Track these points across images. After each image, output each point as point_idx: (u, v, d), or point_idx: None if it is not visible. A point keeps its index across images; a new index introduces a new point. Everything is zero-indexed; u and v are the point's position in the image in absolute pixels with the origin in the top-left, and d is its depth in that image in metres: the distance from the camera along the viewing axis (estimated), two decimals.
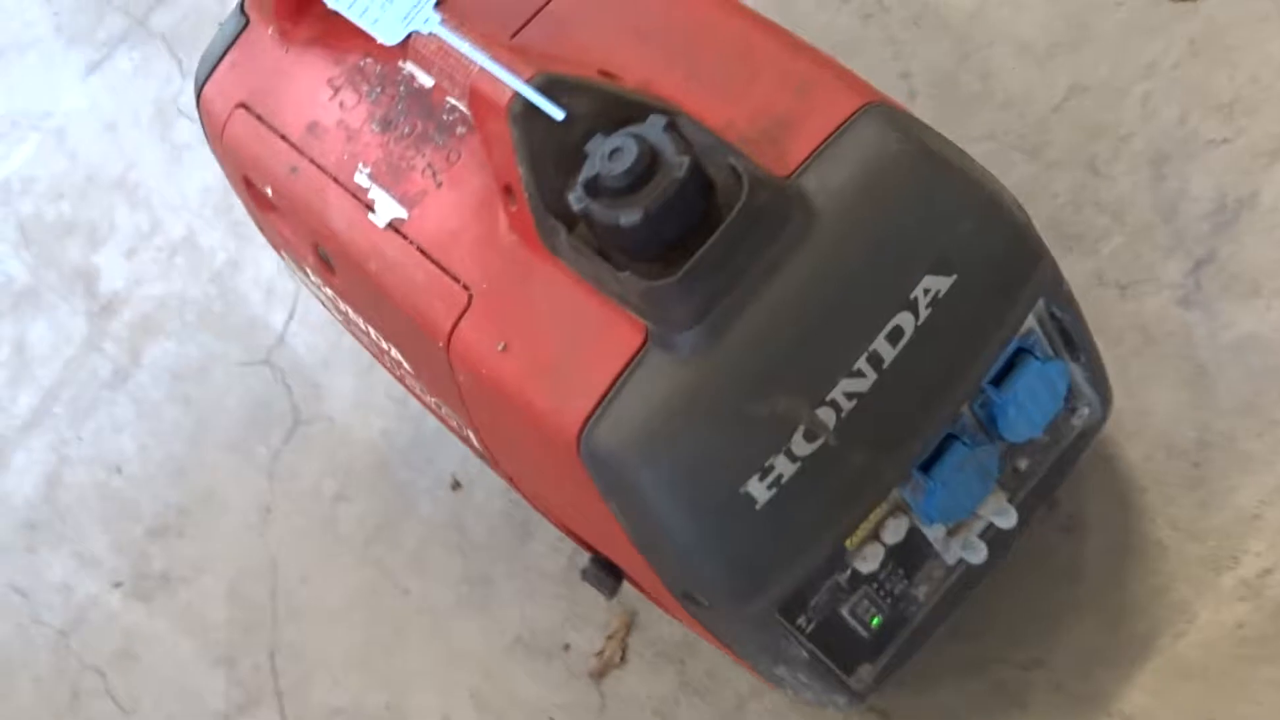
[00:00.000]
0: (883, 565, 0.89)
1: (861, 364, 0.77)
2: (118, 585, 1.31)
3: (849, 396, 0.78)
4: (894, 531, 0.88)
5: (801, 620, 0.87)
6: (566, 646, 1.14)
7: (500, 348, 0.80)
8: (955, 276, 0.79)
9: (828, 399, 0.77)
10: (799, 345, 0.77)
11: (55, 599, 1.32)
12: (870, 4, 1.27)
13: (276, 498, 1.30)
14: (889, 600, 0.92)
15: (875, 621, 0.93)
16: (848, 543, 0.86)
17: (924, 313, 0.78)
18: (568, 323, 0.79)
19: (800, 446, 0.77)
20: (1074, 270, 1.07)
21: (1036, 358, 0.86)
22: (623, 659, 1.12)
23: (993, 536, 0.96)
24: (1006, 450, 0.92)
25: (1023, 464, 0.95)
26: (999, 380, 0.86)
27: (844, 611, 0.90)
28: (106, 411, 1.39)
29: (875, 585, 0.91)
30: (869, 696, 0.96)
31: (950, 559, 0.94)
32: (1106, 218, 1.12)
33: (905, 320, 0.78)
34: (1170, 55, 1.15)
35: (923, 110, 1.19)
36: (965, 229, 0.79)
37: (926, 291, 0.78)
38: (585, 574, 0.88)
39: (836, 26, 1.28)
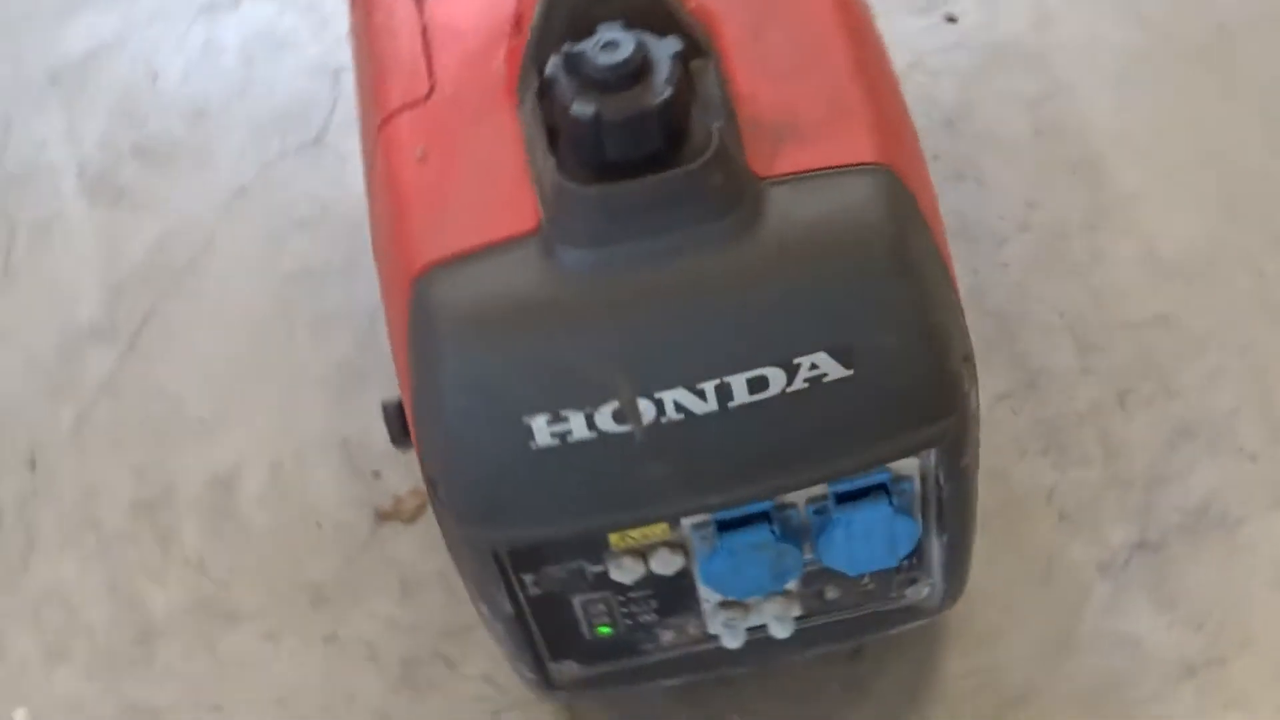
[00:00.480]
0: (638, 586, 0.85)
1: (708, 388, 0.72)
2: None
3: (679, 409, 0.72)
4: (664, 563, 0.82)
5: (529, 578, 0.83)
6: (377, 474, 1.11)
7: (419, 153, 0.76)
8: (852, 373, 0.73)
9: (656, 397, 0.72)
10: (661, 330, 0.72)
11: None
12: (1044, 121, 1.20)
13: None
14: (629, 622, 0.88)
15: (603, 630, 0.88)
16: (612, 539, 0.81)
17: (798, 383, 0.72)
18: (488, 171, 0.74)
19: (604, 420, 0.72)
20: (1033, 477, 1.00)
21: (891, 505, 0.80)
22: (412, 519, 1.08)
23: (764, 640, 0.90)
24: (819, 570, 0.86)
25: (831, 594, 0.89)
26: (848, 498, 0.80)
27: (576, 601, 0.85)
28: None
29: (622, 599, 0.86)
30: (560, 695, 0.92)
31: (710, 627, 0.89)
32: (1098, 449, 1.04)
33: (775, 377, 0.72)
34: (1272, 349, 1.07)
35: (1019, 245, 1.13)
36: (889, 339, 0.73)
37: (814, 367, 0.72)
38: (385, 410, 0.84)
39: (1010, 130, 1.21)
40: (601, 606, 0.86)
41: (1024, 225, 1.16)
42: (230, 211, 1.26)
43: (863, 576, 0.88)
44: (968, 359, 0.77)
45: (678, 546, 0.82)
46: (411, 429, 0.78)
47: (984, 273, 1.13)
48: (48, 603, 1.08)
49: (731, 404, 0.73)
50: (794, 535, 0.82)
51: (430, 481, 0.78)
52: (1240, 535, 0.99)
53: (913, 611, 0.91)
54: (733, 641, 0.88)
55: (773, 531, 0.80)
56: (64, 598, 1.09)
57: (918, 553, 0.87)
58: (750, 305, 0.72)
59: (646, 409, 0.72)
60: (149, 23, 1.38)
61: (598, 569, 0.83)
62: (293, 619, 1.05)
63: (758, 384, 0.72)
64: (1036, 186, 1.17)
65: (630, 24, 0.71)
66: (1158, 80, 1.22)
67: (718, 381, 0.72)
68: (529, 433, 0.73)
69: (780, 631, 0.88)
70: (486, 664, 1.02)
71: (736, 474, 0.76)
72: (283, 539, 1.09)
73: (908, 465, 0.80)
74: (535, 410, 0.72)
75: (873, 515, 0.80)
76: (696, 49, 0.74)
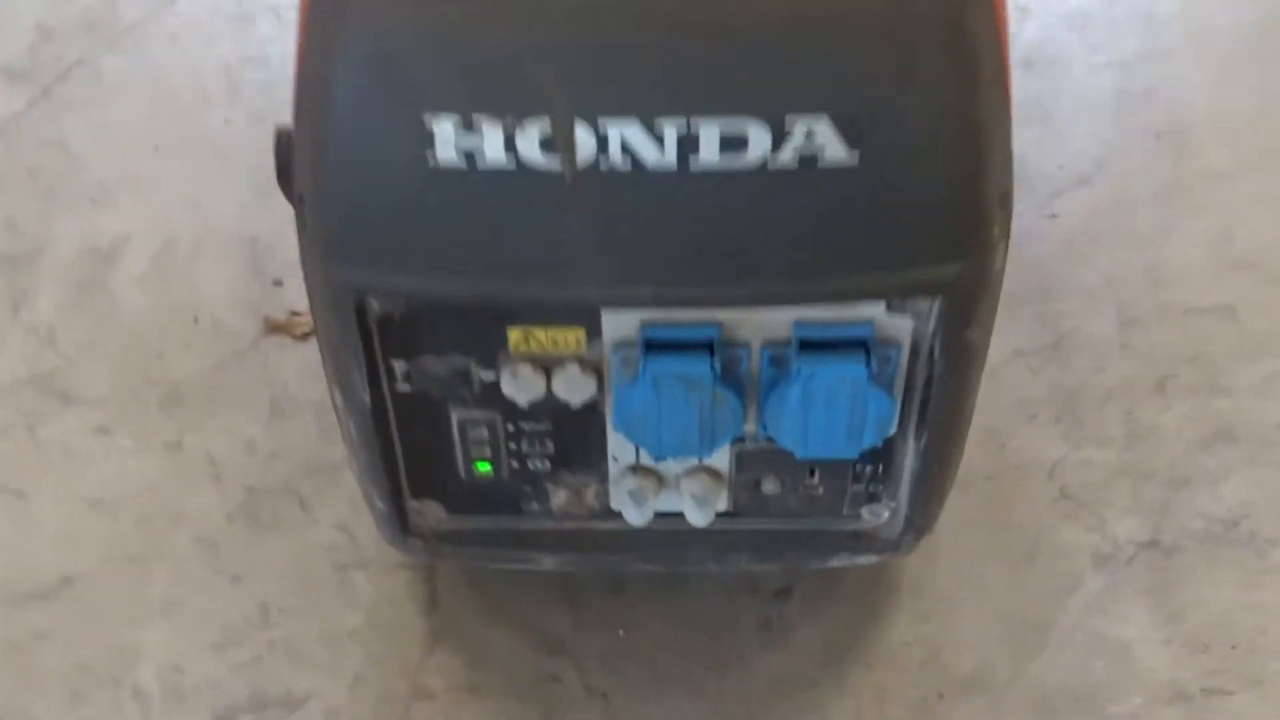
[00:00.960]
0: (535, 414, 0.67)
1: (670, 132, 0.55)
2: None
3: (627, 154, 0.55)
4: (571, 386, 0.65)
5: (399, 366, 0.66)
6: (279, 282, 0.94)
7: None
8: (857, 160, 0.56)
9: (601, 127, 0.55)
10: (623, 34, 0.55)
11: None
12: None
13: None
14: (515, 464, 0.70)
15: (482, 467, 0.71)
16: (512, 336, 0.64)
17: (786, 157, 0.55)
18: None
19: (528, 145, 0.55)
20: (1038, 446, 0.84)
21: (867, 368, 0.63)
22: (303, 338, 0.91)
23: (675, 533, 0.73)
24: (759, 450, 0.69)
25: (769, 488, 0.72)
26: (815, 349, 0.63)
27: (455, 417, 0.68)
28: None
29: (512, 428, 0.69)
30: (415, 548, 0.74)
31: (613, 498, 0.72)
32: (1120, 431, 0.87)
33: (758, 140, 0.55)
34: None
35: (1074, 199, 0.97)
36: (916, 123, 0.56)
37: (810, 138, 0.55)
38: (278, 137, 0.67)
39: None
40: (485, 433, 0.69)
41: (1084, 180, 0.99)
42: None
43: (812, 472, 0.71)
44: (1004, 200, 0.60)
45: (591, 369, 0.65)
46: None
47: (1028, 219, 0.96)
48: None
49: (695, 163, 0.56)
50: (738, 383, 0.65)
51: (299, 200, 0.61)
52: (1271, 558, 0.81)
53: (864, 541, 0.73)
54: (637, 517, 0.71)
55: (713, 368, 0.63)
56: None
57: (885, 458, 0.70)
58: (748, 29, 0.55)
59: (585, 142, 0.56)
60: None
61: (488, 376, 0.66)
62: (135, 416, 0.88)
63: (734, 143, 0.55)
64: (1109, 146, 1.01)
65: None
66: (1267, 61, 1.05)
67: (683, 125, 0.55)
68: (429, 140, 0.56)
69: (698, 517, 0.71)
70: (345, 510, 0.84)
71: (685, 263, 0.59)
72: (150, 327, 0.92)
73: (897, 325, 0.63)
74: (442, 108, 0.55)
75: (841, 376, 0.63)
76: None
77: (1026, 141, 1.01)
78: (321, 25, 0.57)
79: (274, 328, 0.92)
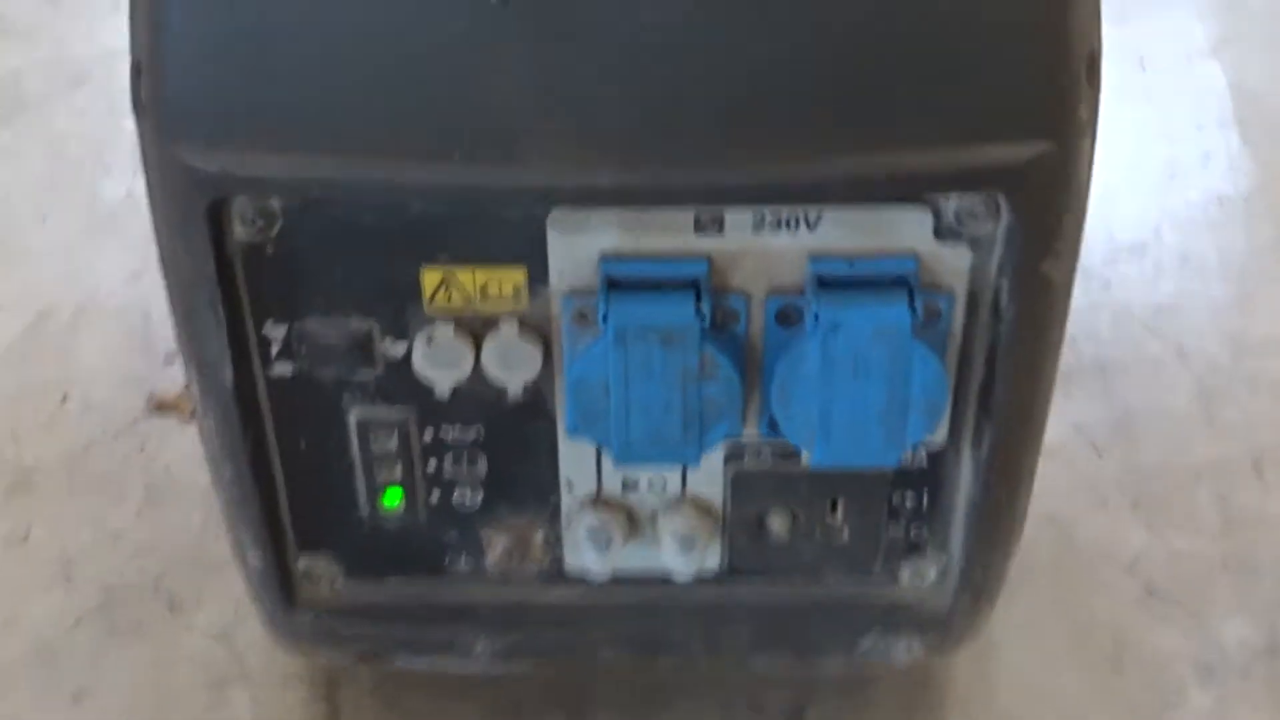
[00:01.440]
0: (458, 410, 0.50)
1: None
2: None
3: None
4: (506, 358, 0.48)
5: (277, 333, 0.48)
6: (171, 358, 0.77)
7: None
8: None
9: None
10: None
11: None
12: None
13: None
14: (436, 492, 0.52)
15: (390, 499, 0.53)
16: (425, 286, 0.47)
17: None
18: None
19: None
20: (1114, 535, 0.67)
21: (912, 314, 0.46)
22: (194, 418, 0.73)
23: (647, 601, 0.55)
24: (759, 465, 0.51)
25: (778, 527, 0.53)
26: (838, 288, 0.46)
27: (352, 417, 0.50)
28: None
29: (429, 434, 0.51)
30: (307, 632, 0.55)
31: (568, 541, 0.53)
32: (1216, 518, 0.69)
33: None
34: None
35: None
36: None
37: None
38: (134, 66, 0.52)
39: None
40: (394, 442, 0.51)
41: (1138, 248, 0.83)
42: (109, 58, 0.97)
43: (834, 504, 0.52)
44: (1092, 68, 0.44)
45: (535, 333, 0.48)
46: None
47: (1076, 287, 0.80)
48: None
49: None
50: (735, 350, 0.48)
51: (134, 75, 0.45)
52: None
53: (904, 616, 0.54)
54: (599, 566, 0.52)
55: (700, 315, 0.46)
56: None
57: (932, 481, 0.52)
58: None
59: None
60: None
61: (395, 348, 0.48)
62: None
63: None
64: (1164, 211, 0.86)
65: None
66: None
67: None
68: None
69: (682, 565, 0.52)
70: (226, 614, 0.65)
71: (657, 121, 0.42)
72: (10, 402, 0.74)
73: (950, 260, 0.46)
74: None
75: (876, 326, 0.46)
76: None
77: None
78: None
79: (159, 405, 0.74)
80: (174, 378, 0.76)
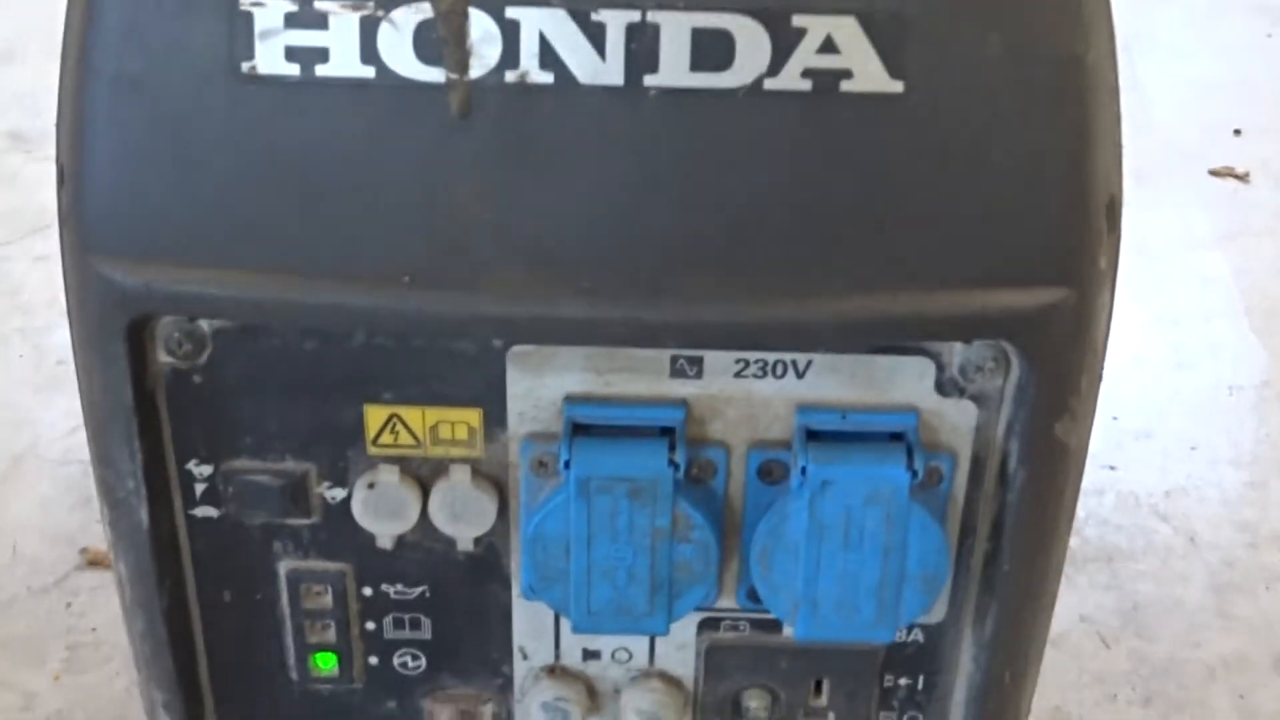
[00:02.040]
0: (401, 566, 0.45)
1: (611, 28, 0.36)
2: None
3: (549, 61, 0.36)
4: (456, 508, 0.43)
5: (202, 472, 0.43)
6: None
7: None
8: (901, 89, 0.37)
9: (508, 17, 0.36)
10: None
11: None
12: None
13: None
14: (374, 658, 0.47)
15: (322, 662, 0.47)
16: (369, 425, 0.42)
17: (792, 74, 0.36)
18: None
19: (392, 44, 0.36)
20: None
21: (911, 474, 0.41)
22: None
23: None
24: (741, 638, 0.46)
25: (755, 710, 0.48)
26: (827, 442, 0.42)
27: (284, 570, 0.45)
28: None
29: (368, 592, 0.45)
30: None
31: (528, 714, 0.48)
32: (1235, 717, 0.64)
33: (750, 43, 0.36)
34: None
35: None
36: (994, 38, 0.37)
37: (829, 50, 0.36)
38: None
39: None
40: (329, 599, 0.46)
41: (1145, 434, 0.79)
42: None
43: (819, 684, 0.47)
44: (1113, 214, 0.40)
45: (489, 482, 0.43)
46: None
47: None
48: None
49: (652, 81, 0.36)
50: (711, 506, 0.43)
51: (60, 182, 0.41)
52: None
53: None
54: None
55: (674, 467, 0.41)
56: None
57: (929, 661, 0.47)
58: None
59: (486, 39, 0.36)
60: None
61: (333, 493, 0.44)
62: None
63: (713, 49, 0.36)
64: (1170, 399, 0.82)
65: None
66: None
67: (635, 17, 0.36)
68: (247, 31, 0.37)
69: None
70: None
71: (630, 255, 0.38)
72: None
73: (953, 417, 0.42)
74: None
75: (872, 483, 0.41)
76: None
77: None
78: None
79: (93, 560, 0.69)
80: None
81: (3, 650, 0.65)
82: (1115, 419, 0.80)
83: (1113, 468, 0.77)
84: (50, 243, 0.93)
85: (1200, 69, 1.15)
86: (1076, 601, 0.69)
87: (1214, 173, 1.02)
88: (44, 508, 0.73)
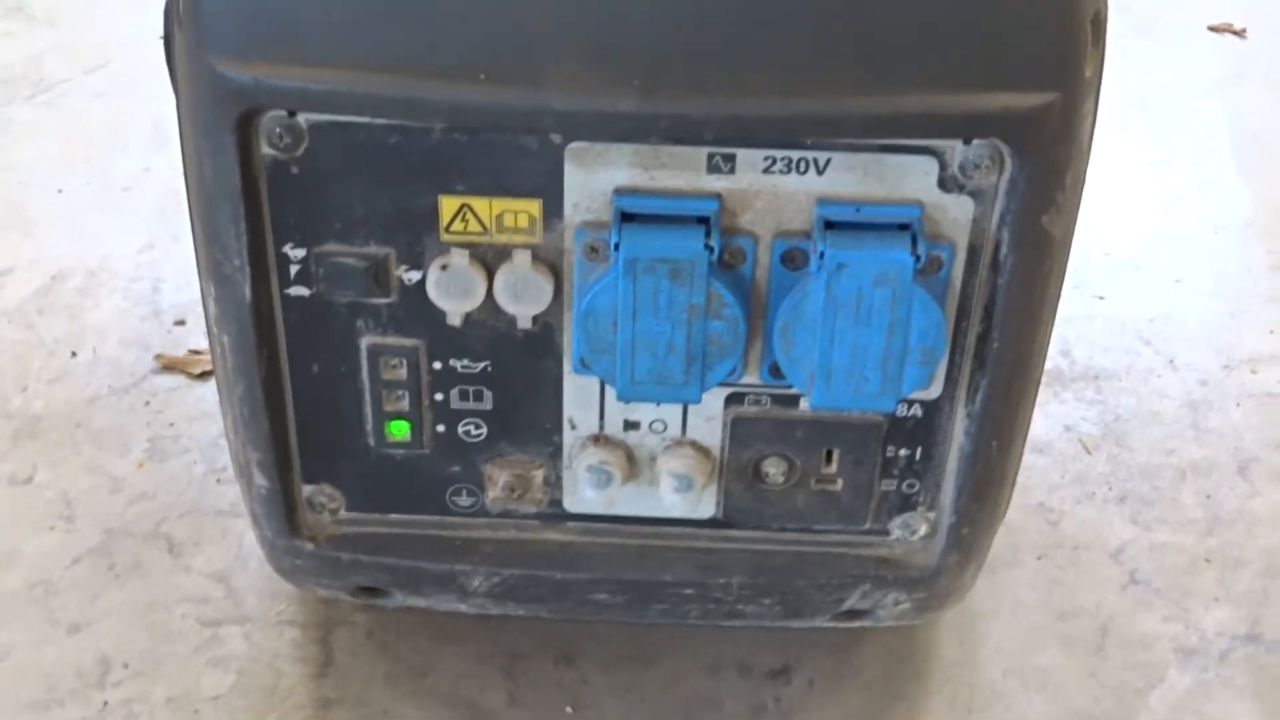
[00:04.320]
0: (467, 341, 0.51)
1: None
2: None
3: None
4: (519, 288, 0.49)
5: (296, 255, 0.49)
6: (181, 322, 0.78)
7: None
8: None
9: None
10: None
11: None
12: None
13: None
14: (441, 425, 0.53)
15: (396, 429, 0.54)
16: (443, 214, 0.48)
17: None
18: None
19: None
20: (1100, 527, 0.68)
21: (914, 259, 0.47)
22: (199, 377, 0.75)
23: (648, 547, 0.56)
24: (763, 412, 0.52)
25: (773, 474, 0.54)
26: (842, 231, 0.48)
27: (365, 345, 0.52)
28: None
29: (438, 365, 0.52)
30: (303, 567, 0.56)
31: (568, 483, 0.55)
32: (1201, 514, 0.70)
33: None
34: None
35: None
36: None
37: None
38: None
39: None
40: (404, 371, 0.52)
41: (1136, 265, 0.85)
42: (127, 44, 0.99)
43: (829, 455, 0.54)
44: (1097, 26, 0.46)
45: (547, 266, 0.49)
46: None
47: (1071, 299, 0.82)
48: None
49: None
50: (740, 289, 0.49)
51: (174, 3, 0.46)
52: None
53: (893, 571, 0.55)
54: (598, 501, 0.54)
55: (709, 250, 0.47)
56: None
57: (925, 436, 0.53)
58: None
59: None
60: None
61: (411, 274, 0.50)
62: None
63: None
64: (1161, 235, 0.87)
65: None
66: None
67: None
68: None
69: (680, 506, 0.53)
70: (226, 558, 0.66)
71: (676, 55, 0.43)
72: (14, 359, 0.76)
73: (952, 210, 0.48)
74: None
75: (881, 266, 0.47)
76: None
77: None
78: None
79: (168, 365, 0.76)
80: (180, 341, 0.78)
81: (92, 441, 0.72)
82: (1106, 254, 0.86)
83: (1102, 297, 0.83)
84: (107, 79, 0.99)
85: None
86: (1063, 413, 0.76)
87: (1213, 28, 1.07)
88: (120, 316, 0.79)
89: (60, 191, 0.88)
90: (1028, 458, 0.73)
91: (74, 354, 0.76)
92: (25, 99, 0.96)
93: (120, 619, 0.64)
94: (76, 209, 0.86)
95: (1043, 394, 0.77)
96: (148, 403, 0.74)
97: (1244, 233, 0.88)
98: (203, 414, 0.73)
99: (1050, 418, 0.75)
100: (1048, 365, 0.78)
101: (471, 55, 0.44)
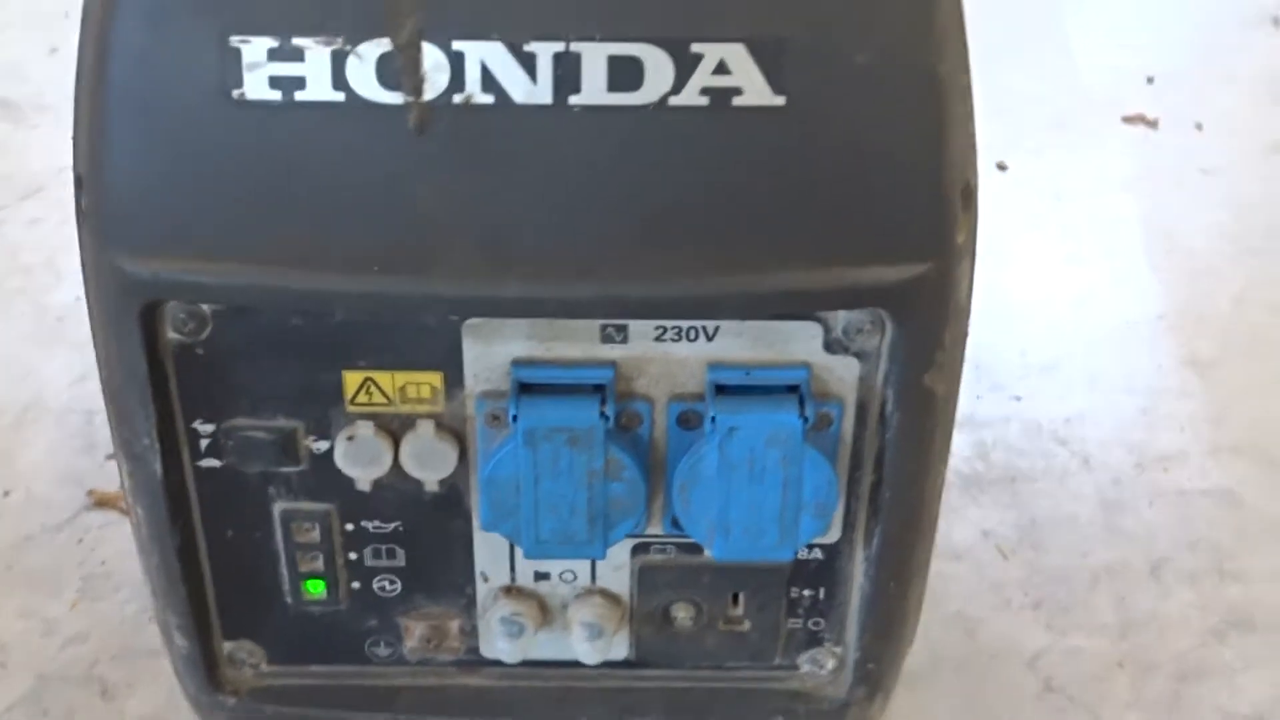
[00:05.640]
0: (378, 504, 0.52)
1: (544, 56, 0.43)
2: None
3: (490, 86, 0.43)
4: (424, 456, 0.51)
5: (205, 430, 0.51)
6: (112, 456, 0.79)
7: None
8: (784, 103, 0.44)
9: (455, 49, 0.43)
10: None
11: None
12: None
13: None
14: (356, 582, 0.55)
15: (312, 587, 0.55)
16: (347, 388, 0.50)
17: (693, 93, 0.44)
18: None
19: (362, 73, 0.43)
20: (1016, 634, 0.70)
21: (802, 418, 0.49)
22: None
23: (559, 684, 0.57)
24: (669, 560, 0.54)
25: (682, 617, 0.56)
26: (733, 395, 0.50)
27: (277, 510, 0.53)
28: None
29: (350, 527, 0.53)
30: (230, 714, 0.58)
31: (482, 630, 0.56)
32: (1114, 619, 0.72)
33: (657, 68, 0.43)
34: None
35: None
36: (862, 54, 0.44)
37: (723, 71, 0.44)
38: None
39: None
40: (316, 534, 0.53)
41: (1050, 366, 0.87)
42: (63, 172, 1.00)
43: (735, 596, 0.55)
44: (968, 198, 0.48)
45: (450, 433, 0.51)
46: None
47: (989, 401, 0.84)
48: None
49: (576, 100, 0.44)
50: (638, 451, 0.51)
51: (77, 187, 0.48)
52: None
53: (805, 703, 0.57)
54: (511, 653, 0.55)
55: (604, 418, 0.49)
56: None
57: (828, 577, 0.55)
58: None
59: (437, 67, 0.44)
60: None
61: (319, 445, 0.51)
62: None
63: (626, 73, 0.43)
64: (1075, 336, 0.90)
65: None
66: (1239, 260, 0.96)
67: (560, 47, 0.43)
68: (236, 63, 0.44)
69: (590, 654, 0.55)
70: (157, 701, 0.67)
71: (553, 254, 0.46)
72: None
73: (839, 371, 0.50)
74: (252, 27, 0.43)
75: (770, 429, 0.49)
76: None
77: (982, 328, 0.90)
78: None
79: (100, 501, 0.77)
80: (114, 475, 0.78)
81: (25, 582, 0.73)
82: (1023, 354, 0.88)
83: (1019, 398, 0.85)
84: (43, 206, 1.01)
85: (1120, 18, 1.22)
86: (981, 518, 0.78)
87: (1126, 119, 1.09)
88: (52, 453, 0.80)
89: None
90: (946, 566, 0.76)
91: (6, 493, 0.77)
92: None
93: None
94: (11, 342, 0.87)
95: (960, 499, 0.81)
96: (80, 540, 0.75)
97: (1155, 326, 0.90)
98: (133, 552, 0.74)
99: (967, 523, 0.77)
100: (966, 470, 0.82)
101: (364, 247, 0.46)
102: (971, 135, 0.48)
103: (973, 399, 0.84)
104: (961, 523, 0.77)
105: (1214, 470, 0.81)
